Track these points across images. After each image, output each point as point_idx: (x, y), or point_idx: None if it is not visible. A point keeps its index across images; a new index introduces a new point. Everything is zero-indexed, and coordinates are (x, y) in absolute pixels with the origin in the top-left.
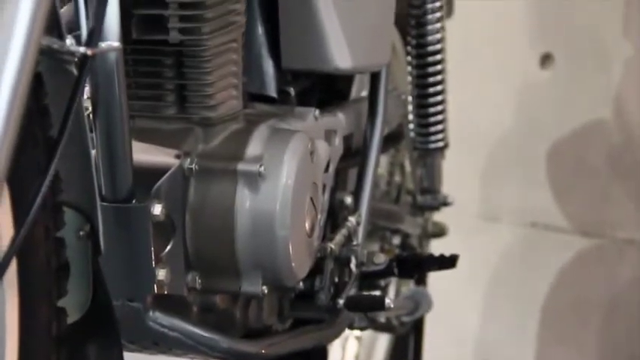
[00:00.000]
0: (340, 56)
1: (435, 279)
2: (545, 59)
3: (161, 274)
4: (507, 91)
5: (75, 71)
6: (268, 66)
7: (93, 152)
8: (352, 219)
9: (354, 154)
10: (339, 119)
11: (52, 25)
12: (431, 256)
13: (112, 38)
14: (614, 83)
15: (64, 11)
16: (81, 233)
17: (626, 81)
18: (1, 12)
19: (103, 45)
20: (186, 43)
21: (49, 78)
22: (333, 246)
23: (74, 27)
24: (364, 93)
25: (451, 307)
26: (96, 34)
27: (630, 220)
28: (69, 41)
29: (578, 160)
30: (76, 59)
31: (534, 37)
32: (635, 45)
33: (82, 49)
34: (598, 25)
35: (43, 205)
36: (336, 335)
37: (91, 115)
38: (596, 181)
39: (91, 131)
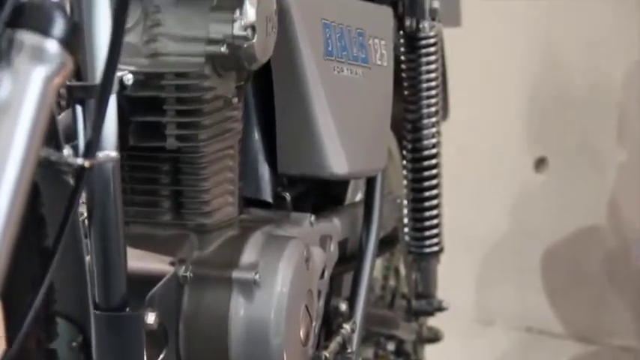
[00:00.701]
0: (336, 162)
1: None
2: (540, 163)
3: None
4: (502, 194)
5: (71, 181)
6: (264, 171)
7: (87, 259)
8: (347, 326)
9: (349, 259)
10: (335, 224)
11: (50, 134)
12: None
13: (109, 147)
14: (609, 188)
15: (62, 118)
16: (73, 344)
17: (620, 186)
18: (0, 123)
19: (101, 155)
20: (183, 149)
21: (45, 188)
22: (327, 354)
23: (71, 135)
24: (359, 196)
25: None
26: (93, 146)
27: (626, 326)
28: (66, 152)
29: (573, 264)
30: (74, 170)
31: (529, 141)
32: (629, 150)
33: (79, 161)
34: (592, 130)
35: (36, 316)
36: None
37: (86, 221)
38: (592, 287)
39: (86, 237)
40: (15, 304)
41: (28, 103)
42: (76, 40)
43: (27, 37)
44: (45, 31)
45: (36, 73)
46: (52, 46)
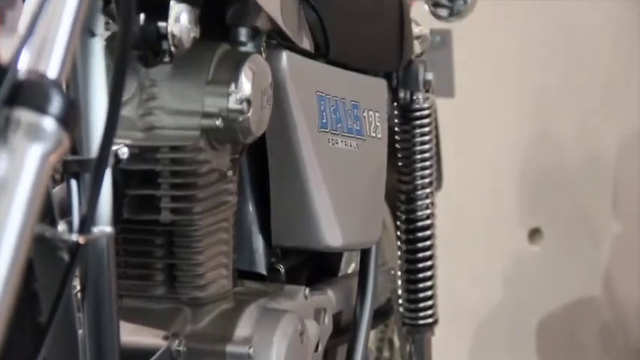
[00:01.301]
0: (331, 235)
1: None
2: (534, 234)
3: None
4: (497, 265)
5: (65, 256)
6: (258, 243)
7: (80, 333)
8: None
9: (343, 331)
10: (329, 297)
11: (45, 210)
12: None
13: (104, 222)
14: (604, 260)
15: (56, 192)
16: None
17: (615, 258)
18: None
19: (96, 231)
20: (178, 222)
21: (39, 263)
22: None
23: (65, 209)
24: (353, 267)
25: None
26: (88, 222)
27: None
28: (61, 228)
29: (568, 336)
30: (68, 246)
31: (523, 211)
32: (624, 220)
33: (74, 237)
34: (587, 200)
35: None
36: None
37: (79, 295)
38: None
39: (79, 311)
40: None
41: (24, 180)
42: (72, 118)
43: (24, 115)
44: (42, 108)
45: (33, 151)
46: (49, 123)
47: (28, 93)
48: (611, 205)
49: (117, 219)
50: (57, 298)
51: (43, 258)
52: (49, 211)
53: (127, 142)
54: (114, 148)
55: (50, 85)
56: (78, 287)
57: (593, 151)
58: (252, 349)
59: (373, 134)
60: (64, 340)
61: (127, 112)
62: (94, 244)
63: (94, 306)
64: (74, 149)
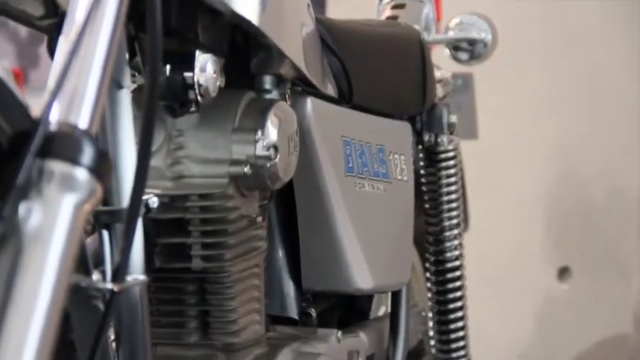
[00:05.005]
0: (361, 277)
1: None
2: (563, 273)
3: None
4: (526, 304)
5: (100, 305)
6: (289, 288)
7: None
8: None
9: None
10: (362, 339)
11: (79, 260)
12: None
13: (137, 271)
14: (634, 296)
15: (88, 243)
16: None
17: None
18: (31, 254)
19: (130, 279)
20: (209, 269)
21: (74, 313)
22: None
23: (98, 259)
24: (383, 310)
25: None
26: (122, 270)
27: None
28: (95, 277)
29: None
30: (103, 295)
31: (551, 250)
32: None
33: (109, 286)
34: (614, 237)
35: None
36: None
37: (113, 344)
38: None
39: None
40: None
41: (58, 231)
42: (104, 168)
43: (57, 166)
44: (74, 159)
45: (66, 202)
46: (82, 174)
47: (60, 144)
48: (638, 240)
49: (149, 268)
50: (94, 347)
51: (78, 308)
52: (83, 261)
53: (157, 191)
54: (144, 197)
55: (81, 136)
56: (113, 336)
57: (616, 186)
58: None
59: (399, 177)
60: None
61: (155, 162)
62: (128, 293)
63: (129, 354)
64: (105, 201)
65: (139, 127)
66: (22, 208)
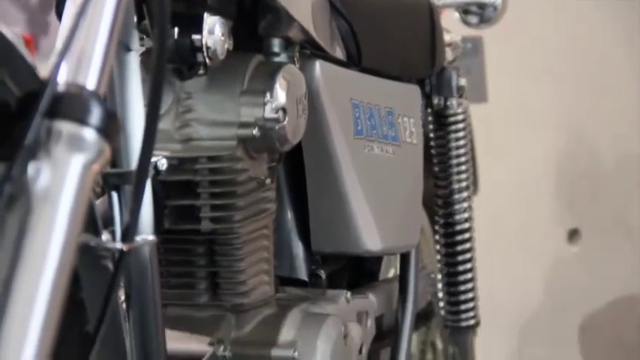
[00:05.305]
0: (370, 239)
1: None
2: (573, 235)
3: None
4: (535, 267)
5: (110, 265)
6: (298, 250)
7: (127, 342)
8: None
9: (385, 335)
10: (371, 301)
11: (89, 221)
12: None
13: (146, 231)
14: None
15: (97, 205)
16: None
17: None
18: (40, 214)
19: (139, 239)
20: (218, 231)
21: (84, 273)
22: None
23: (107, 221)
24: (392, 272)
25: None
26: (131, 230)
27: None
28: (105, 237)
29: (610, 335)
30: (112, 254)
31: (561, 213)
32: None
33: (118, 245)
34: (623, 200)
35: None
36: None
37: (124, 305)
38: (632, 357)
39: (125, 320)
40: None
41: (67, 191)
42: (112, 128)
43: (65, 127)
44: (82, 120)
45: (74, 162)
46: (90, 134)
47: (68, 105)
48: None
49: (158, 230)
50: (104, 306)
51: (88, 268)
52: (92, 221)
53: (166, 154)
54: (153, 159)
55: (89, 96)
56: (123, 297)
57: (627, 152)
58: (296, 353)
59: (409, 140)
60: (112, 348)
61: (164, 124)
62: (138, 253)
63: (139, 314)
64: (113, 163)
65: (147, 90)
66: (31, 168)
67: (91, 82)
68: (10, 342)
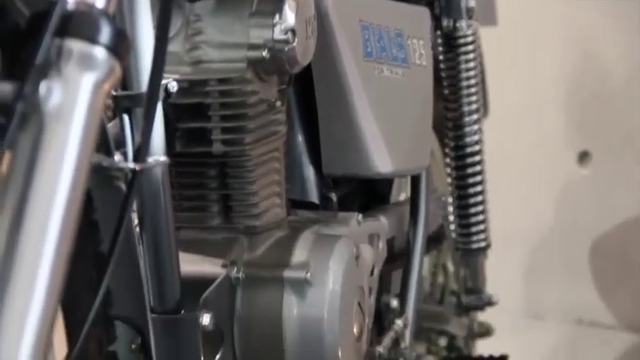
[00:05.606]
0: (381, 161)
1: None
2: (583, 157)
3: None
4: (546, 189)
5: (123, 186)
6: (309, 173)
7: (141, 263)
8: (399, 322)
9: (397, 257)
10: (382, 223)
11: (101, 142)
12: (480, 357)
13: (157, 152)
14: None
15: (110, 127)
16: (133, 346)
17: None
18: (53, 133)
19: (151, 160)
20: (230, 153)
21: (97, 194)
22: (381, 349)
23: (119, 144)
24: (403, 196)
25: None
26: (143, 150)
27: None
28: (117, 158)
29: (622, 255)
30: (125, 175)
31: (571, 135)
32: None
33: (130, 165)
34: (634, 121)
35: (95, 319)
36: None
37: (137, 228)
38: None
39: (138, 243)
40: (74, 309)
41: (79, 109)
42: (122, 47)
43: (75, 45)
44: (92, 38)
45: (85, 80)
46: (100, 52)
47: (77, 23)
48: None
49: (170, 152)
50: (117, 227)
51: (101, 189)
52: (104, 142)
53: (176, 76)
54: (163, 82)
55: (99, 15)
56: (136, 220)
57: (637, 70)
58: (309, 274)
59: (418, 62)
60: (127, 270)
61: (173, 47)
62: (150, 173)
63: (152, 237)
64: (124, 86)
65: (156, 13)
66: (43, 87)
67: (100, 1)
68: (29, 251)
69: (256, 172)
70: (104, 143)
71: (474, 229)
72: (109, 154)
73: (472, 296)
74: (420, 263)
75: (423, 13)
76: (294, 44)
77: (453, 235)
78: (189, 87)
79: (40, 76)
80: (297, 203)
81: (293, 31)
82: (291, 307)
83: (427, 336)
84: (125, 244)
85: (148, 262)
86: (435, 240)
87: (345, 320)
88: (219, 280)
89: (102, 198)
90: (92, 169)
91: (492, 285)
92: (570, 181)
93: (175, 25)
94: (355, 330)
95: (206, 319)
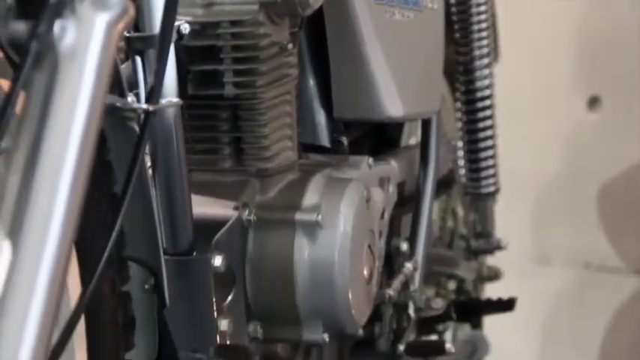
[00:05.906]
0: (392, 105)
1: (489, 322)
2: (593, 102)
3: (223, 324)
4: (555, 134)
5: (136, 127)
6: (321, 116)
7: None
8: (409, 265)
9: (407, 201)
10: (393, 167)
11: (114, 83)
12: (489, 300)
13: (170, 94)
14: None
15: (123, 69)
16: (146, 286)
17: None
18: (67, 72)
19: (163, 101)
20: (242, 96)
21: (111, 134)
22: (391, 292)
23: (133, 85)
24: (413, 140)
25: (507, 350)
26: (156, 91)
27: None
28: (130, 99)
29: (629, 199)
30: (138, 116)
31: (581, 80)
32: None
33: (144, 106)
34: None
35: (108, 260)
36: None
37: (150, 170)
38: None
39: (151, 185)
40: (88, 249)
41: (93, 48)
42: None
43: None
44: None
45: (99, 20)
46: None
47: None
48: None
49: (182, 94)
50: (131, 167)
51: (114, 129)
52: (118, 83)
53: (188, 18)
54: (176, 24)
55: None
56: (149, 162)
57: None
58: (320, 216)
59: (429, 5)
60: (140, 210)
61: None
62: (162, 115)
63: (165, 179)
64: (137, 27)
65: None
66: (57, 27)
67: None
68: (44, 190)
69: (268, 115)
70: (117, 84)
71: (483, 173)
72: (122, 95)
73: (481, 240)
74: (430, 207)
75: None
76: None
77: (463, 179)
78: (201, 29)
79: (54, 15)
80: (308, 147)
81: None
82: (302, 250)
83: (436, 279)
84: (138, 186)
85: (161, 204)
86: (444, 184)
87: (355, 262)
88: (230, 222)
89: (115, 138)
90: (106, 110)
91: (499, 229)
92: (580, 126)
93: None
94: (365, 272)
95: (218, 261)
